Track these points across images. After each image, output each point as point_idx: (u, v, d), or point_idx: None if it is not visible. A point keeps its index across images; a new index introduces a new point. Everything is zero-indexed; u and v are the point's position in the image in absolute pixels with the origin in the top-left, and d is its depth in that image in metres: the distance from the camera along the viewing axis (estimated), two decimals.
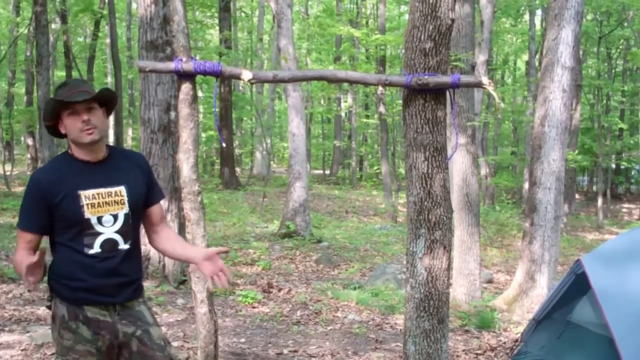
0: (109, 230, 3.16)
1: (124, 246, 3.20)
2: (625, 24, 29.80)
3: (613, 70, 35.45)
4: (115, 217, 3.18)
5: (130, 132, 31.32)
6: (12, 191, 18.22)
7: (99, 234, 3.14)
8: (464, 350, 7.16)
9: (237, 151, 31.96)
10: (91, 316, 3.16)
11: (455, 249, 9.37)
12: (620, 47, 34.44)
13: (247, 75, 3.80)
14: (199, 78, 4.11)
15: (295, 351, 6.73)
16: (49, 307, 3.25)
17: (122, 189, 3.21)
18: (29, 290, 8.42)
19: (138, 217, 3.32)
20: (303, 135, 14.98)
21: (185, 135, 4.07)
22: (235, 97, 27.62)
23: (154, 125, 8.82)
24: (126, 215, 3.21)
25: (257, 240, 13.76)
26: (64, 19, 24.24)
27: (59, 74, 30.71)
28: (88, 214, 3.11)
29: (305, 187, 14.81)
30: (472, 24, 9.91)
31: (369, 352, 6.86)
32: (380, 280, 10.33)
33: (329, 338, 7.36)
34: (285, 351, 6.71)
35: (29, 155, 27.30)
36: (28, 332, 6.56)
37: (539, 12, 30.66)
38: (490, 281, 12.38)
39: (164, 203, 8.07)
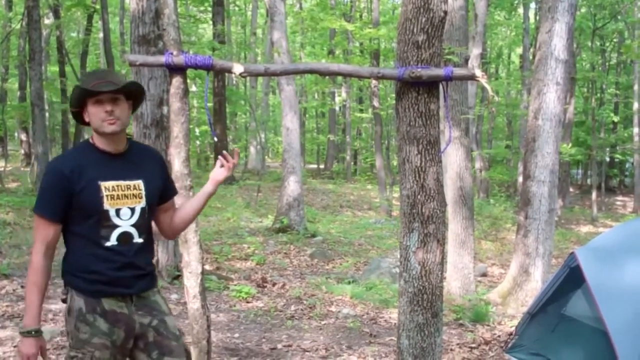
0: (125, 223, 3.17)
1: (138, 240, 3.21)
2: (619, 17, 29.81)
3: (607, 63, 35.51)
4: (133, 210, 3.19)
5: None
6: (6, 187, 18.13)
7: (116, 226, 3.14)
8: (458, 344, 7.15)
9: (231, 146, 31.90)
10: (108, 308, 3.15)
11: (450, 243, 9.36)
12: (614, 40, 34.48)
13: (238, 68, 3.77)
14: (192, 72, 4.09)
15: (289, 346, 6.72)
16: (64, 301, 3.24)
17: (140, 183, 3.22)
18: (22, 286, 8.40)
19: (152, 211, 3.34)
20: (297, 130, 14.95)
21: (177, 130, 4.04)
22: (229, 92, 27.55)
23: (147, 119, 8.79)
24: (143, 209, 3.22)
25: (251, 235, 13.74)
26: (56, 14, 24.12)
27: (52, 69, 30.55)
28: (107, 205, 3.11)
29: (299, 182, 14.79)
30: (466, 17, 9.89)
31: (363, 346, 6.85)
32: (374, 274, 10.31)
33: (323, 332, 7.36)
34: (279, 346, 6.70)
35: (22, 151, 27.22)
36: None
37: (532, 5, 30.64)
38: (484, 275, 12.39)
39: None
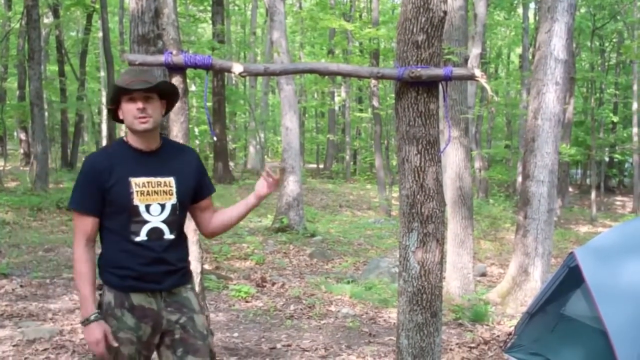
0: (155, 219, 3.21)
1: (169, 236, 3.24)
2: (618, 17, 29.81)
3: (606, 64, 35.51)
4: (163, 206, 3.23)
5: (123, 126, 31.18)
6: (5, 187, 18.12)
7: (146, 222, 3.19)
8: (457, 344, 7.15)
9: (230, 145, 31.89)
10: (137, 303, 3.20)
11: (449, 243, 9.36)
12: (613, 40, 34.49)
13: (237, 68, 3.77)
14: (191, 72, 4.10)
15: (289, 345, 6.71)
16: (100, 296, 3.29)
17: (171, 180, 3.27)
18: (21, 285, 8.39)
19: (185, 209, 3.36)
20: (296, 129, 14.94)
21: (176, 129, 4.05)
22: (228, 92, 27.55)
23: None
24: (173, 205, 3.26)
25: (251, 234, 13.74)
26: (56, 13, 24.13)
27: (52, 69, 30.58)
28: (137, 201, 3.17)
29: (298, 182, 14.79)
30: (465, 17, 9.89)
31: (362, 346, 6.85)
32: (373, 274, 10.31)
33: (322, 332, 7.35)
34: (278, 345, 6.70)
35: (21, 151, 27.21)
36: (20, 327, 6.53)
37: (532, 5, 30.65)
38: (483, 274, 12.39)
39: None
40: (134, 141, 3.25)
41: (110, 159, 3.22)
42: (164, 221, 3.22)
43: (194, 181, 3.37)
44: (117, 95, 3.20)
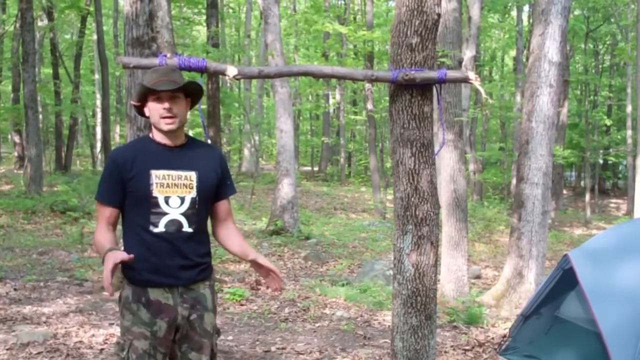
0: (175, 211, 3.26)
1: (187, 229, 3.28)
2: (612, 20, 29.91)
3: (600, 66, 35.62)
4: (182, 199, 3.28)
5: (117, 129, 31.19)
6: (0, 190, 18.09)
7: (165, 213, 3.24)
8: (452, 346, 7.15)
9: (225, 148, 31.87)
10: (153, 298, 3.24)
11: (443, 245, 9.37)
12: (607, 42, 34.60)
13: (232, 71, 3.77)
14: (186, 75, 4.07)
15: (283, 348, 6.71)
16: (121, 290, 3.34)
17: (192, 174, 3.31)
18: (15, 289, 8.36)
19: (205, 204, 3.39)
20: (291, 132, 14.94)
21: None
22: (223, 94, 27.47)
23: (140, 122, 8.76)
24: (193, 199, 3.30)
25: (246, 237, 13.65)
26: (50, 16, 24.09)
27: (46, 72, 30.50)
28: (156, 192, 3.23)
29: (293, 184, 14.78)
30: (460, 20, 9.91)
31: (357, 348, 6.84)
32: (368, 277, 10.31)
33: (317, 335, 7.34)
34: (273, 348, 6.69)
35: (15, 154, 27.13)
36: (14, 331, 6.50)
37: (526, 7, 30.73)
38: (478, 277, 12.40)
39: None
40: (159, 137, 3.32)
41: (133, 152, 3.29)
42: (183, 214, 3.26)
43: (216, 178, 3.41)
44: (144, 94, 3.25)
